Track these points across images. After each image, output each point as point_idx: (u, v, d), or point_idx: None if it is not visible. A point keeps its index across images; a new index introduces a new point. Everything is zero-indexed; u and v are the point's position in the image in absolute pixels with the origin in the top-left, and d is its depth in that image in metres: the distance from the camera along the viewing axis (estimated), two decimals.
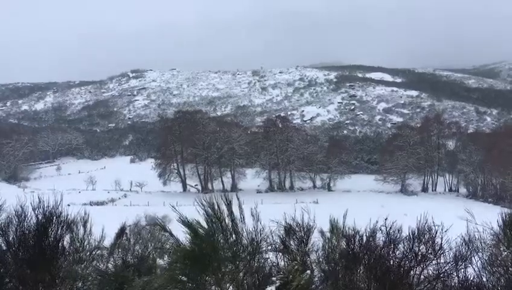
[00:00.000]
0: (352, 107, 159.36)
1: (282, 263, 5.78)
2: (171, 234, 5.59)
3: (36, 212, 5.97)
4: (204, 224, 5.39)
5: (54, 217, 5.96)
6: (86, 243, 6.62)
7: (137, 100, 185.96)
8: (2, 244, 6.38)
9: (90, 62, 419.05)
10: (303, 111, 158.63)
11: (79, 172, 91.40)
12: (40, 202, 5.97)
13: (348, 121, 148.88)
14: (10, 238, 6.15)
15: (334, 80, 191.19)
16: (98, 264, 6.50)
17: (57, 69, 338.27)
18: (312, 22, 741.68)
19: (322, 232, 6.68)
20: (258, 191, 73.62)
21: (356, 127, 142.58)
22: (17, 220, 6.10)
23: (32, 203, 6.05)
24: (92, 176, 79.22)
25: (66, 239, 6.33)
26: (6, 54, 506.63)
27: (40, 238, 5.86)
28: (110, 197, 66.87)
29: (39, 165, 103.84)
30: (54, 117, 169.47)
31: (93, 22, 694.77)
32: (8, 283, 6.02)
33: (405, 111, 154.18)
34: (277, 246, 5.90)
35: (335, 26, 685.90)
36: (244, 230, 5.45)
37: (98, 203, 59.78)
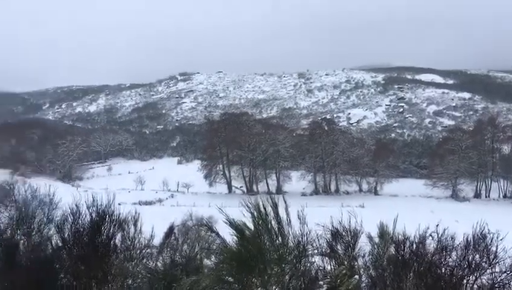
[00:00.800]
0: (401, 109, 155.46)
1: (329, 267, 5.72)
2: (218, 235, 5.66)
3: (90, 210, 6.21)
4: (251, 226, 5.42)
5: (107, 216, 6.19)
6: (136, 242, 6.82)
7: (185, 102, 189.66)
8: (58, 241, 6.68)
9: (140, 65, 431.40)
10: (349, 114, 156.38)
11: (129, 172, 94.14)
12: (94, 200, 6.21)
13: (396, 124, 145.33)
14: (65, 235, 6.44)
15: (382, 82, 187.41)
16: (147, 262, 6.67)
17: (109, 72, 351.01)
18: (359, 22, 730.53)
19: (370, 237, 6.55)
20: (303, 194, 73.15)
21: (404, 130, 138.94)
22: (72, 218, 6.37)
23: (86, 202, 6.31)
24: (141, 176, 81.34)
25: (118, 237, 6.54)
26: (62, 58, 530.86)
27: (94, 236, 6.09)
28: (158, 197, 68.32)
29: (92, 165, 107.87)
30: (105, 119, 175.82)
31: (144, 24, 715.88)
32: (63, 278, 6.30)
33: (457, 114, 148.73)
34: (323, 249, 5.84)
35: (383, 27, 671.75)
36: (290, 233, 5.44)
37: (146, 203, 61.18)
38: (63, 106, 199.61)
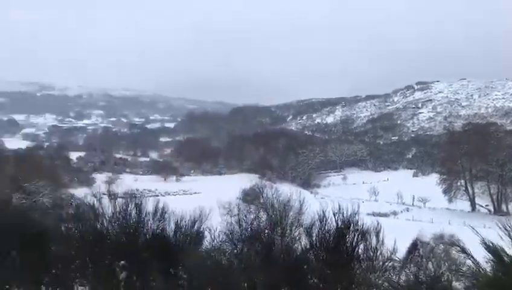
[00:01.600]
0: None
1: None
2: (471, 257, 5.22)
3: (336, 218, 6.52)
4: (510, 252, 4.83)
5: (351, 225, 6.39)
6: (378, 253, 6.82)
7: (422, 112, 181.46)
8: (306, 244, 7.22)
9: (377, 77, 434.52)
10: None
11: (363, 182, 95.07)
12: (339, 208, 6.49)
13: None
14: (313, 239, 6.91)
15: None
16: (390, 275, 6.59)
17: (346, 85, 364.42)
18: None
19: None
20: None
21: None
22: (319, 223, 6.80)
23: (332, 209, 6.64)
24: (375, 187, 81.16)
25: (361, 247, 6.67)
26: (303, 74, 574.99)
27: (339, 243, 6.37)
28: (392, 210, 67.07)
29: (328, 174, 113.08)
30: (341, 129, 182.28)
31: (375, 36, 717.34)
32: (310, 279, 6.76)
33: None
34: None
35: None
36: None
37: (380, 215, 60.56)
38: (304, 118, 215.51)
